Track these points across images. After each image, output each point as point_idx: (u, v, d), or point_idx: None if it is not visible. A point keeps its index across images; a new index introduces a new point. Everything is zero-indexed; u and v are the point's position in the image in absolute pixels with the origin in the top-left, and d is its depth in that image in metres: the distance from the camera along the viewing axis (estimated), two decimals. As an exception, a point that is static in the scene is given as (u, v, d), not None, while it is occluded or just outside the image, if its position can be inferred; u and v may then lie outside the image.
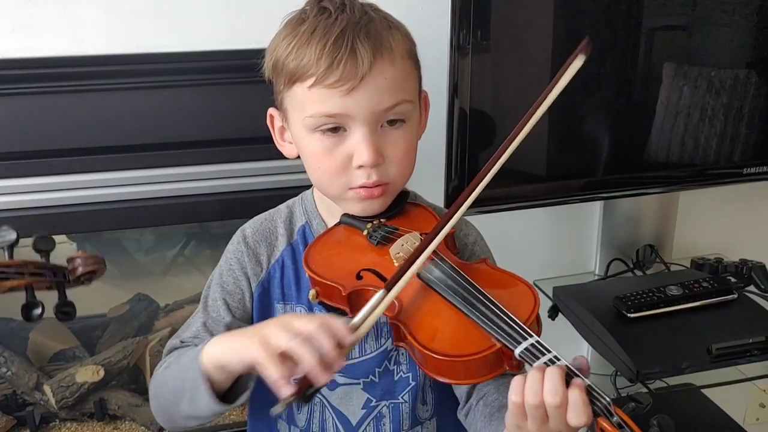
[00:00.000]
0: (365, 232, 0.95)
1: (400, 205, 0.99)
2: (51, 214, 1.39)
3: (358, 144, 0.89)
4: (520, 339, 0.75)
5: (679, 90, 1.54)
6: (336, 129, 0.89)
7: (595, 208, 1.77)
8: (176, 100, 1.41)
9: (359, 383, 0.98)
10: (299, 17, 0.92)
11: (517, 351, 0.75)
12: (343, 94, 0.86)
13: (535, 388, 0.72)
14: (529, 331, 0.76)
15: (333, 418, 1.00)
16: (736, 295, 1.48)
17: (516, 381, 0.74)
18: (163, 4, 1.37)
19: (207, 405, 0.84)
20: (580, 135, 1.55)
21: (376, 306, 0.80)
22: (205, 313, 1.02)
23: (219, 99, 1.42)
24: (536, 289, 0.85)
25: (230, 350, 0.81)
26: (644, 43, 1.51)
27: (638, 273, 1.70)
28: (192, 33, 1.40)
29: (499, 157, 0.83)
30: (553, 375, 0.72)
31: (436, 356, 0.78)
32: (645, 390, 1.49)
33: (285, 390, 0.73)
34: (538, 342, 0.75)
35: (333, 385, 0.97)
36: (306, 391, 0.75)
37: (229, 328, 0.99)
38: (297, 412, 1.02)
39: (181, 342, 1.01)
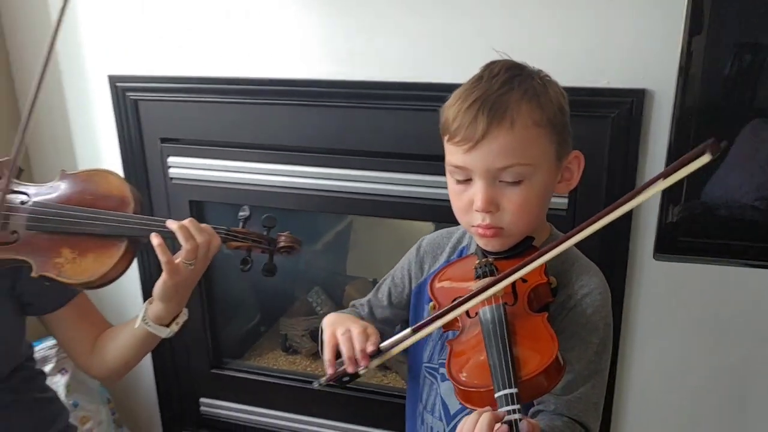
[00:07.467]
0: (474, 266, 1.14)
1: (518, 249, 1.13)
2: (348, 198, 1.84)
3: (476, 192, 1.08)
4: (501, 386, 0.91)
5: None
6: (464, 180, 1.09)
7: None
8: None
9: None
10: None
11: (497, 394, 0.91)
12: (464, 151, 1.06)
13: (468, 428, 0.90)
14: (513, 381, 0.90)
15: (439, 404, 1.21)
16: None
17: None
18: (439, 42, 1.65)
19: None
20: None
21: (400, 342, 1.05)
22: (375, 292, 1.38)
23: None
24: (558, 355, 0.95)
25: (326, 329, 1.16)
26: None
27: None
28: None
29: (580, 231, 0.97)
30: (483, 419, 0.88)
31: (451, 376, 0.98)
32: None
33: (329, 369, 1.08)
34: (511, 395, 0.90)
35: (443, 377, 1.19)
36: (341, 376, 1.06)
37: (384, 311, 1.35)
38: (425, 393, 1.26)
39: (352, 305, 1.40)
